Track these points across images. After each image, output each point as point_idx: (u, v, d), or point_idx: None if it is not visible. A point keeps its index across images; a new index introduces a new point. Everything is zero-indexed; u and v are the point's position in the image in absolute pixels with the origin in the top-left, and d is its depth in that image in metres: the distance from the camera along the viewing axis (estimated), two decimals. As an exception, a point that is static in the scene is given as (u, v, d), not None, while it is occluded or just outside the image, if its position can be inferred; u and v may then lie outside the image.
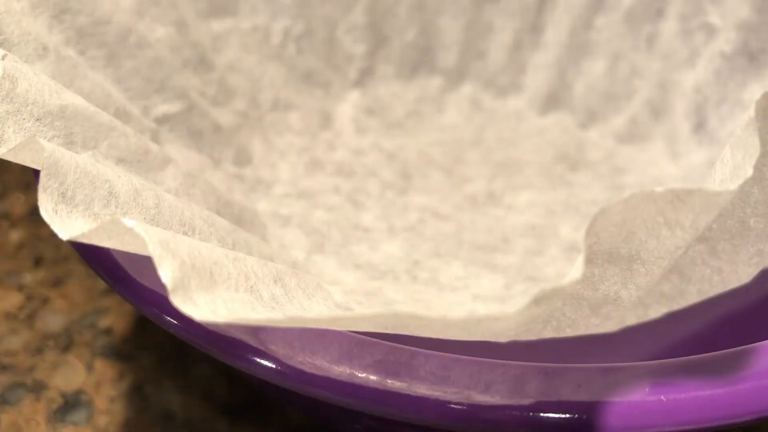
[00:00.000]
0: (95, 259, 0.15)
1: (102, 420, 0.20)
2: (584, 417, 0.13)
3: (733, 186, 0.12)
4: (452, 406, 0.13)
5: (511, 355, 0.14)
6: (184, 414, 0.20)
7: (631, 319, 0.14)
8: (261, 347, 0.14)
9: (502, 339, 0.13)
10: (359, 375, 0.14)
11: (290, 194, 0.23)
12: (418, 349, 0.14)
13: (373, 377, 0.14)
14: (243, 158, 0.23)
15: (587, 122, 0.26)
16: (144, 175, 0.18)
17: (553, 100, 0.26)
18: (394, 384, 0.13)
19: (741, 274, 0.14)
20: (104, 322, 0.22)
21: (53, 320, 0.22)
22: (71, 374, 0.21)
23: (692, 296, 0.14)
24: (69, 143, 0.16)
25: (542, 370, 0.14)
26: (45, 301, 0.23)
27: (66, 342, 0.22)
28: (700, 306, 0.14)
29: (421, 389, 0.13)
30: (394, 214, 0.23)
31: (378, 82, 0.26)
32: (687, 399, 0.13)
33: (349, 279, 0.21)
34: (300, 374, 0.14)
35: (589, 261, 0.13)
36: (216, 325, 0.14)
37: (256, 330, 0.14)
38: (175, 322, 0.14)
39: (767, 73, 0.23)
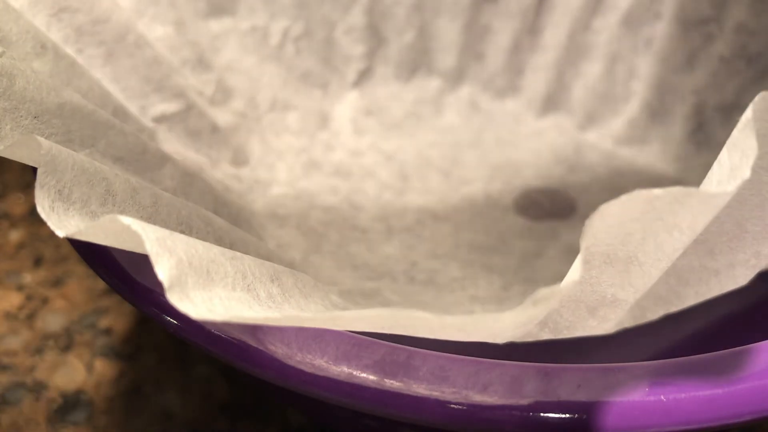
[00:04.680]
0: (95, 258, 0.15)
1: (102, 420, 0.20)
2: (584, 417, 0.13)
3: (731, 188, 0.12)
4: (451, 406, 0.13)
5: (509, 355, 0.14)
6: (184, 414, 0.20)
7: (629, 321, 0.14)
8: (260, 347, 0.14)
9: (500, 340, 0.13)
10: (358, 375, 0.14)
11: (288, 195, 0.23)
12: (417, 349, 0.14)
13: (371, 377, 0.14)
14: (241, 158, 0.23)
15: (585, 124, 0.26)
16: (141, 173, 0.17)
17: (551, 102, 0.26)
18: (392, 384, 0.13)
19: (738, 277, 0.14)
20: (104, 322, 0.22)
21: (53, 320, 0.22)
22: (71, 374, 0.21)
23: (690, 299, 0.14)
24: (67, 141, 0.16)
25: (541, 370, 0.13)
26: (45, 301, 0.23)
27: (66, 342, 0.22)
28: (700, 306, 0.14)
29: (420, 389, 0.13)
30: (392, 215, 0.23)
31: (376, 83, 0.26)
32: (687, 399, 0.13)
33: (347, 280, 0.21)
34: (299, 374, 0.14)
35: (586, 263, 0.13)
36: (213, 323, 0.14)
37: (255, 330, 0.14)
38: (175, 322, 0.14)
39: (765, 76, 0.23)
